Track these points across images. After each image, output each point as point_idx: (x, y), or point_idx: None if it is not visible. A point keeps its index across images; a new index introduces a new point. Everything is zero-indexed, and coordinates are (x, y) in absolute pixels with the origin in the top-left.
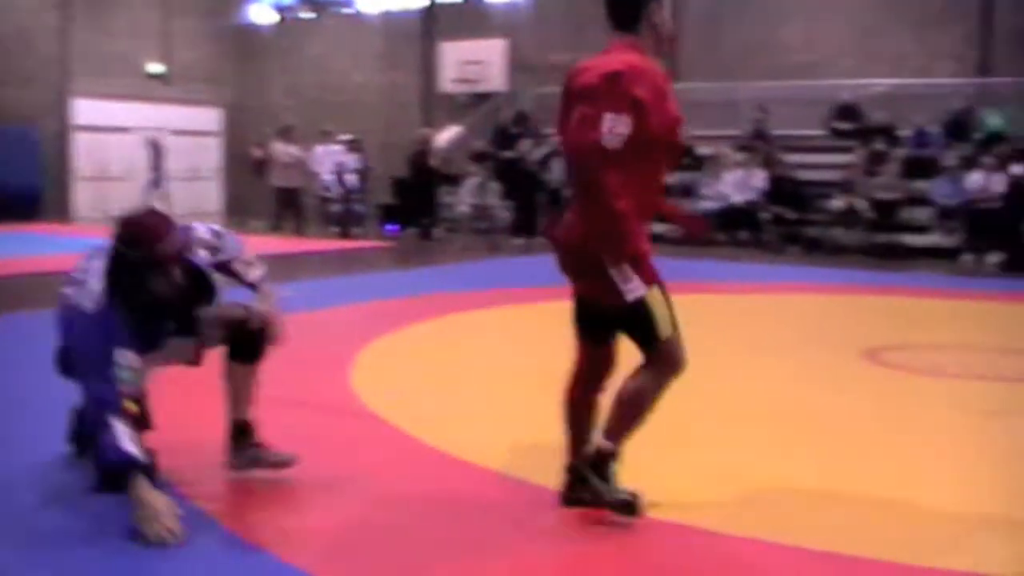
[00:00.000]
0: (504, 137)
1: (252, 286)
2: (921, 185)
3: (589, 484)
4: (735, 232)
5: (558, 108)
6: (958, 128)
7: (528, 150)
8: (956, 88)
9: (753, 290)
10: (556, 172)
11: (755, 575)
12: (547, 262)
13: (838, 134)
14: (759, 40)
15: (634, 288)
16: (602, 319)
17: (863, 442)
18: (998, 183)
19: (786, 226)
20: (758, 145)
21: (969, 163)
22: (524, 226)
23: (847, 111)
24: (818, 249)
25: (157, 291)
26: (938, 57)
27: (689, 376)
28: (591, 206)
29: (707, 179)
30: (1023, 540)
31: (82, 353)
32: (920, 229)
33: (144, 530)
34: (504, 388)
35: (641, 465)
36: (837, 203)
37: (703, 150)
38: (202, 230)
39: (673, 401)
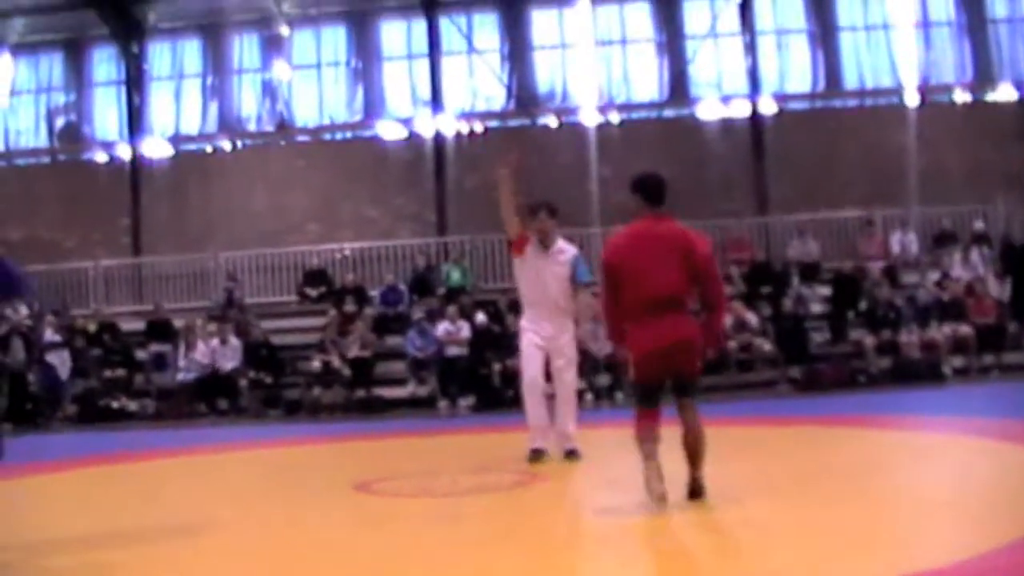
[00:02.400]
0: None
1: None
2: (393, 340)
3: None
4: (214, 401)
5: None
6: (423, 284)
7: None
8: (419, 247)
9: (241, 447)
10: (18, 352)
11: None
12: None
13: (309, 298)
14: (225, 210)
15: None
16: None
17: (346, 554)
18: (464, 331)
19: (265, 390)
20: (231, 313)
21: (435, 315)
22: None
23: (316, 275)
24: (299, 410)
25: None
26: (400, 219)
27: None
28: (716, 315)
29: (181, 350)
30: None
31: None
32: (396, 382)
33: None
34: None
35: None
36: (314, 364)
37: (176, 322)
38: None
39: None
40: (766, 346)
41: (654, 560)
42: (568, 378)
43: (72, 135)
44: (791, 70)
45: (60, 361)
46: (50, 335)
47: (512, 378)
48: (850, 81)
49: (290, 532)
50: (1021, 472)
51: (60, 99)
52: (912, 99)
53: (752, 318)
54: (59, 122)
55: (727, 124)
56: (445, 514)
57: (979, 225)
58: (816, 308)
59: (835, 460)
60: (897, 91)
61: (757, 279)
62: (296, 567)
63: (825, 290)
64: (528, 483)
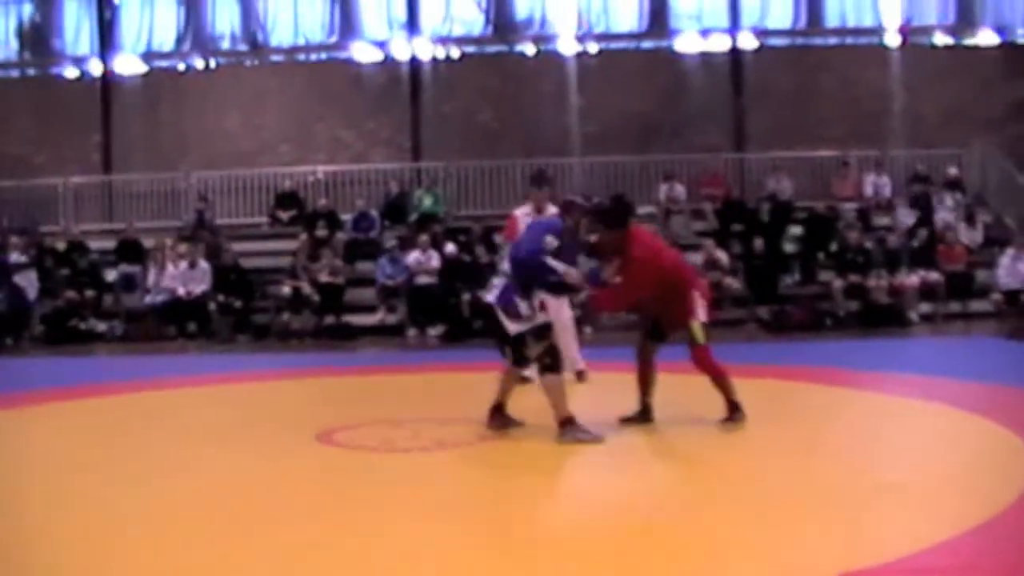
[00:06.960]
0: None
1: None
2: (364, 266)
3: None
4: (183, 324)
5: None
6: (395, 210)
7: None
8: (392, 172)
9: (205, 382)
10: None
11: None
12: None
13: (280, 221)
14: (197, 129)
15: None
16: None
17: (309, 519)
18: (434, 260)
19: (234, 314)
20: (202, 235)
21: (407, 243)
22: None
23: (288, 198)
24: (268, 335)
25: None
26: (374, 143)
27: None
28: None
29: (151, 272)
30: None
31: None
32: (366, 309)
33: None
34: None
35: None
36: (284, 289)
37: (146, 243)
38: None
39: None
40: (735, 285)
41: (577, 530)
42: (565, 314)
43: (42, 48)
44: (772, 5)
45: (28, 282)
46: (16, 256)
47: (480, 310)
48: (831, 19)
49: (242, 487)
50: (982, 449)
51: (29, 11)
52: (893, 40)
53: (723, 256)
54: (28, 35)
55: (706, 58)
56: (402, 475)
57: (953, 170)
58: (788, 248)
59: (789, 430)
60: (878, 31)
61: (730, 216)
62: (242, 526)
63: (797, 230)
64: (489, 439)
